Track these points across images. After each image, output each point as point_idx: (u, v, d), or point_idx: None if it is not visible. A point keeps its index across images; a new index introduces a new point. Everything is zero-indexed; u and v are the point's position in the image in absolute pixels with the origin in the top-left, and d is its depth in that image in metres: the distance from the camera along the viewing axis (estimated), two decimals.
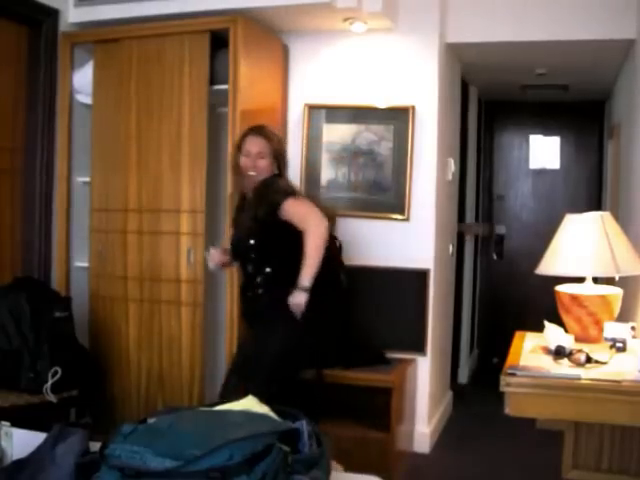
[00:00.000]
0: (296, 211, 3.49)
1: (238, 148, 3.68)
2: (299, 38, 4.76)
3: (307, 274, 3.44)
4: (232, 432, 1.62)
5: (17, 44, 4.24)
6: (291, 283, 3.45)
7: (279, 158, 3.67)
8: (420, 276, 4.65)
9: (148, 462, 1.57)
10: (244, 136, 3.68)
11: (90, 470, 1.72)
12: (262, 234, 3.53)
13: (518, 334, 3.57)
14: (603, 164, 6.89)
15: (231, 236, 3.80)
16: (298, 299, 3.43)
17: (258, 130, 3.67)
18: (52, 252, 4.41)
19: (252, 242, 3.55)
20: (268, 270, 3.55)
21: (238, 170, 3.66)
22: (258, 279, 3.56)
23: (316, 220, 3.47)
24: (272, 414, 1.86)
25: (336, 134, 4.74)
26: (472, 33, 4.69)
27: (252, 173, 3.60)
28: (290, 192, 3.56)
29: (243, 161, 3.62)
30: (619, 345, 3.13)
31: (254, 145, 3.61)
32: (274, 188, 3.56)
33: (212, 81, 4.21)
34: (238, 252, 3.67)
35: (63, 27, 4.40)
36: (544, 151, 7.15)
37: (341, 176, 4.74)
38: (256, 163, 3.60)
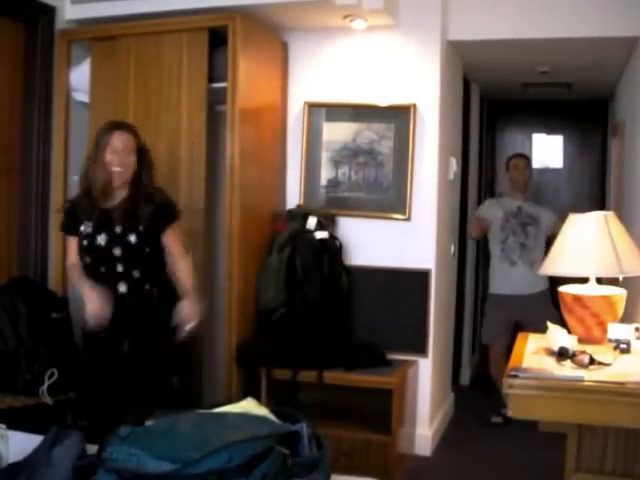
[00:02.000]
0: (177, 237, 3.48)
1: (99, 144, 3.39)
2: (299, 35, 4.73)
3: (192, 292, 3.43)
4: (231, 434, 1.59)
5: (13, 42, 4.20)
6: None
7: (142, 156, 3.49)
8: (421, 276, 4.61)
9: (146, 465, 1.54)
10: (109, 130, 3.40)
11: (87, 473, 1.69)
12: (148, 237, 3.40)
13: (521, 335, 3.55)
14: (607, 163, 6.86)
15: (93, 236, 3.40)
16: (194, 309, 3.40)
17: (124, 125, 3.48)
18: (48, 252, 4.37)
19: (134, 241, 3.35)
20: (154, 273, 3.44)
21: (98, 167, 3.37)
22: (147, 285, 3.42)
23: (187, 254, 3.52)
24: (271, 416, 1.82)
25: (336, 133, 4.70)
26: (474, 30, 4.65)
27: (117, 169, 3.35)
28: (178, 211, 3.53)
29: (108, 157, 3.34)
30: (623, 346, 3.11)
31: (121, 140, 3.38)
32: (167, 199, 3.49)
33: (211, 79, 4.18)
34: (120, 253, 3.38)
35: (60, 24, 4.36)
36: (547, 150, 7.12)
37: (341, 175, 4.69)
38: (124, 159, 3.36)
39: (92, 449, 1.78)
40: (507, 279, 5.27)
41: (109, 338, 3.38)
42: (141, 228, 3.35)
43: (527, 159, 5.68)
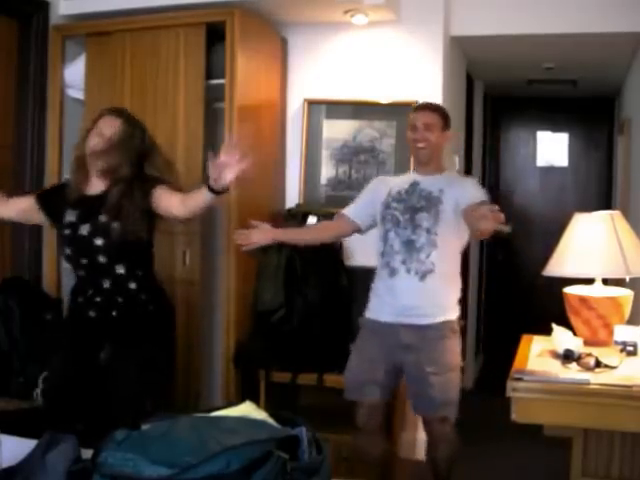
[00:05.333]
0: (169, 190, 3.20)
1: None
2: (298, 31, 4.67)
3: None
4: (229, 439, 1.57)
5: (6, 38, 4.16)
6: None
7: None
8: None
9: (142, 470, 1.53)
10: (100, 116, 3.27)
11: (82, 478, 1.66)
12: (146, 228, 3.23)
13: (525, 337, 3.52)
14: (613, 161, 6.82)
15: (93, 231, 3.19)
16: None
17: (111, 110, 3.31)
18: (42, 252, 4.33)
19: (117, 229, 3.14)
20: (140, 273, 3.24)
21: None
22: (132, 284, 3.24)
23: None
24: (270, 420, 1.80)
25: (337, 130, 4.65)
26: (478, 26, 4.60)
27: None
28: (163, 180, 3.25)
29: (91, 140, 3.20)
30: (629, 349, 3.09)
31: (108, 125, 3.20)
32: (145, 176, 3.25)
33: (208, 76, 4.14)
34: (119, 250, 3.19)
35: (54, 20, 4.32)
36: (552, 148, 7.08)
37: (342, 174, 4.63)
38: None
39: (87, 453, 1.74)
40: (385, 297, 3.42)
41: (88, 339, 3.23)
42: (126, 215, 3.14)
43: (436, 112, 3.45)
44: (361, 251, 4.59)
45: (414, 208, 3.34)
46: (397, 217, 3.37)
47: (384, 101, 4.57)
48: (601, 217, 3.37)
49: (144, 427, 1.72)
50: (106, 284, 3.18)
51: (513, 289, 7.08)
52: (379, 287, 3.45)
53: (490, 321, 7.08)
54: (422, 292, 3.29)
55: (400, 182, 3.49)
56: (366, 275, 4.51)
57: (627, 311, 3.32)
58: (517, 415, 2.79)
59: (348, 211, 3.62)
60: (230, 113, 4.05)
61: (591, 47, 4.85)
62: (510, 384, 2.78)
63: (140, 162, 3.25)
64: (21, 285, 3.97)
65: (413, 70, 4.54)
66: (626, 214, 3.92)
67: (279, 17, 4.46)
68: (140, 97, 4.19)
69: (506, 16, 4.47)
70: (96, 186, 3.24)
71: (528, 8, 4.43)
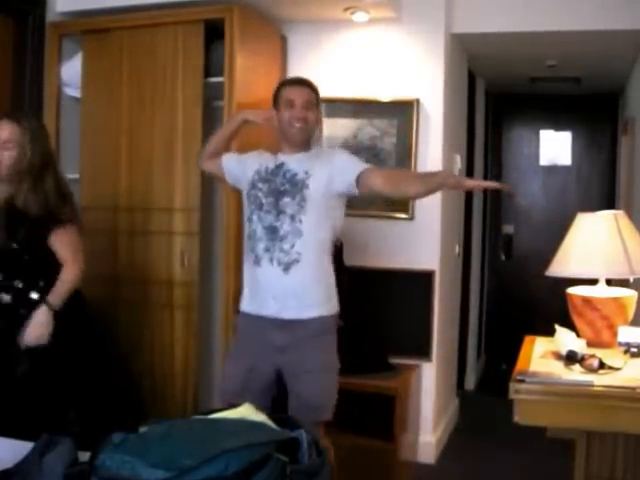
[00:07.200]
0: (63, 242, 3.13)
1: None
2: (298, 28, 4.64)
3: (60, 295, 3.09)
4: (228, 441, 1.58)
5: (3, 36, 4.12)
6: None
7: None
8: (425, 277, 4.53)
9: (140, 472, 1.53)
10: None
11: None
12: (28, 244, 3.09)
13: (528, 339, 3.47)
14: (617, 160, 6.78)
15: None
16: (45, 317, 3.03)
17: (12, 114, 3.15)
18: None
19: (14, 248, 3.06)
20: (42, 284, 3.10)
21: None
22: (33, 295, 3.09)
23: (80, 262, 3.19)
24: (270, 422, 1.79)
25: (337, 129, 4.61)
26: (479, 23, 4.57)
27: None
28: (66, 214, 3.13)
29: None
30: (634, 350, 3.06)
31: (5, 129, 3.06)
32: (52, 201, 3.09)
33: (207, 73, 4.11)
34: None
35: (50, 17, 4.29)
36: (555, 147, 7.04)
37: None
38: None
39: (84, 456, 1.73)
40: (251, 286, 3.17)
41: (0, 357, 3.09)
42: (20, 234, 3.04)
43: (313, 89, 3.36)
44: (361, 251, 4.56)
45: (277, 191, 3.07)
46: (260, 199, 3.10)
47: (385, 99, 4.54)
48: (604, 217, 3.33)
49: (142, 429, 1.72)
50: (6, 299, 3.09)
51: (515, 289, 7.04)
52: (246, 275, 3.20)
53: (492, 322, 7.05)
54: (286, 285, 3.02)
55: (268, 159, 3.20)
56: (366, 275, 4.52)
57: (631, 312, 3.28)
58: (520, 417, 2.75)
59: (227, 159, 3.36)
60: (229, 111, 4.00)
61: (594, 44, 4.82)
62: (513, 386, 2.75)
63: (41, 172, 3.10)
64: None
65: (414, 68, 4.52)
66: (630, 214, 3.90)
67: (279, 14, 4.43)
68: (138, 95, 4.16)
69: (508, 13, 4.44)
70: (2, 190, 3.14)
71: (530, 5, 4.40)
